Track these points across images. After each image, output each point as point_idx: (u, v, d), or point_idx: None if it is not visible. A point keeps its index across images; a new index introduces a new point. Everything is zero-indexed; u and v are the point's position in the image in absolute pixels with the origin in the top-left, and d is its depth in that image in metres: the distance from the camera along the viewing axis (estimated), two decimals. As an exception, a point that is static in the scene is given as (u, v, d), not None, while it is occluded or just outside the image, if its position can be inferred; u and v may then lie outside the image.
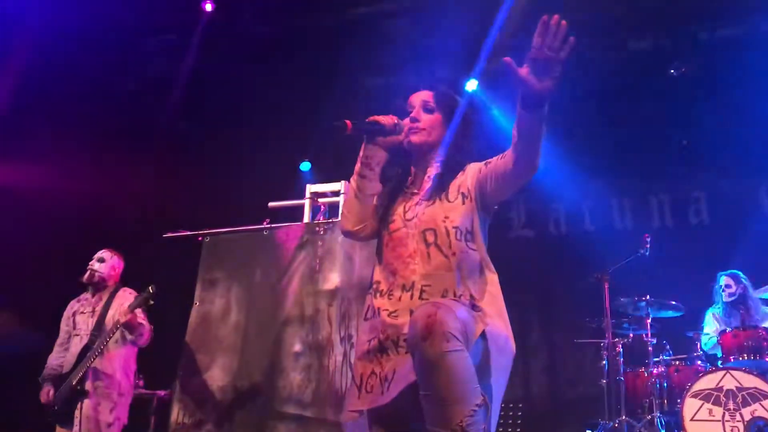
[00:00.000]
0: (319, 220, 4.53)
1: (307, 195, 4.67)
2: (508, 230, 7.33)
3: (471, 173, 2.30)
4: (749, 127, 6.38)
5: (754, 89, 6.28)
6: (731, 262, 5.73)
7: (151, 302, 4.23)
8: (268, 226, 4.52)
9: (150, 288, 4.23)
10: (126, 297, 4.49)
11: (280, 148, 6.76)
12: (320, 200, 4.66)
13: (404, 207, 2.31)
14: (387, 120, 2.28)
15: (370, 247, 2.96)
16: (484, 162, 2.29)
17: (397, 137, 2.31)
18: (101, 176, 6.59)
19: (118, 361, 4.43)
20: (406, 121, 2.33)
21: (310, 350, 4.15)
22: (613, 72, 6.68)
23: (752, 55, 6.30)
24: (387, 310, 2.17)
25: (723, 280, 5.52)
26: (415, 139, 2.31)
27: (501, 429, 5.79)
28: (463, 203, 2.24)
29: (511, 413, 6.03)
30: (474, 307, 2.12)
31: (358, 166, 2.32)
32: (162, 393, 5.60)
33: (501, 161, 2.18)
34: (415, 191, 2.34)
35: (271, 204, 4.71)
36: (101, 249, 4.69)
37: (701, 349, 5.28)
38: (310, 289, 4.27)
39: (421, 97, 2.36)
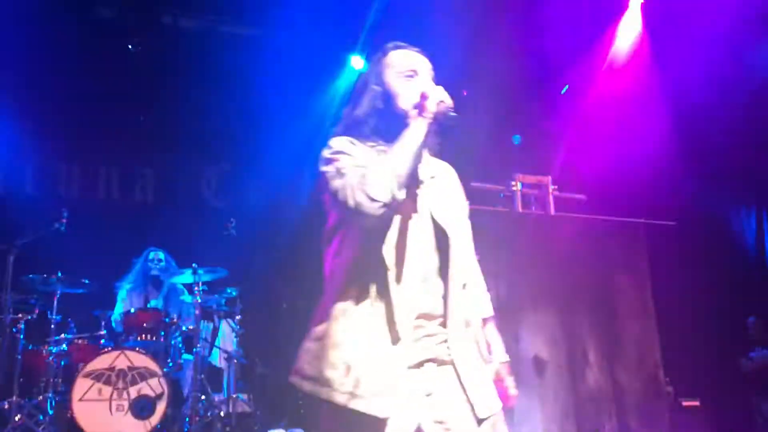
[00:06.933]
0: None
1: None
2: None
3: None
4: (205, 116, 6.77)
5: (211, 82, 6.65)
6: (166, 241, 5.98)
7: None
8: None
9: None
10: None
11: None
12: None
13: None
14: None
15: None
16: None
17: None
18: None
19: None
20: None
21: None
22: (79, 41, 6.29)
23: (212, 49, 6.67)
24: None
25: (157, 255, 5.73)
26: None
27: None
28: None
29: None
30: None
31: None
32: None
33: None
34: None
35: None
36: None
37: (110, 329, 5.32)
38: None
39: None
